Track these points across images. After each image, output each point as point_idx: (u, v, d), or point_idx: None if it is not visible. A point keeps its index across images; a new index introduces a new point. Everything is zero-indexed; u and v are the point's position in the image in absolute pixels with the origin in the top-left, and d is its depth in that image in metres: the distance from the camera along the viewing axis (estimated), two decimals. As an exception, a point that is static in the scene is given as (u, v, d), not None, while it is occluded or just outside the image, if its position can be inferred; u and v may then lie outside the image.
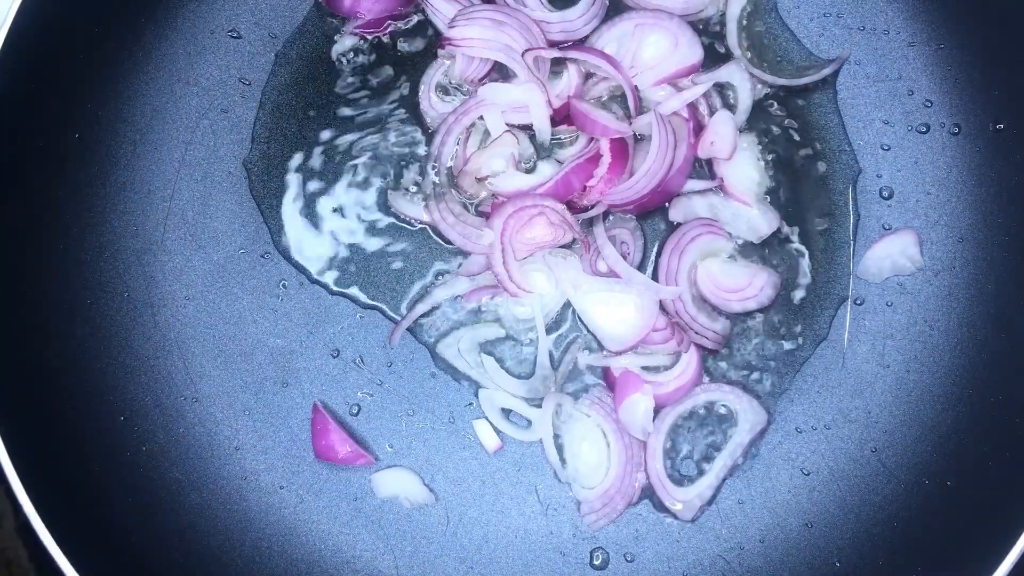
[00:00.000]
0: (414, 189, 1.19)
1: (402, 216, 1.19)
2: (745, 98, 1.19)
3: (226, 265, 1.20)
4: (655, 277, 1.16)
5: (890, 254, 1.16)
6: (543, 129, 1.17)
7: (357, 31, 1.21)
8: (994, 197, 1.16)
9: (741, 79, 1.19)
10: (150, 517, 1.11)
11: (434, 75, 1.21)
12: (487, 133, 1.18)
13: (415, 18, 1.23)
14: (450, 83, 1.21)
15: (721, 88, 1.19)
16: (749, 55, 1.21)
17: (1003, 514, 1.00)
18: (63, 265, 1.14)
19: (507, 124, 1.17)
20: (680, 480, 1.14)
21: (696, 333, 1.14)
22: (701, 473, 1.14)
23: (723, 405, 1.15)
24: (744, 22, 1.22)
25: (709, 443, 1.14)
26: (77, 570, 0.98)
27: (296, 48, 1.23)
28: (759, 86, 1.20)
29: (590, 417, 1.14)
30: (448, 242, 1.18)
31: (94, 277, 1.16)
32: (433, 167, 1.19)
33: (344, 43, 1.22)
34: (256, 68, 1.23)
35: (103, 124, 1.18)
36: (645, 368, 1.14)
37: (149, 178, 1.20)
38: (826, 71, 1.19)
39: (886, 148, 1.19)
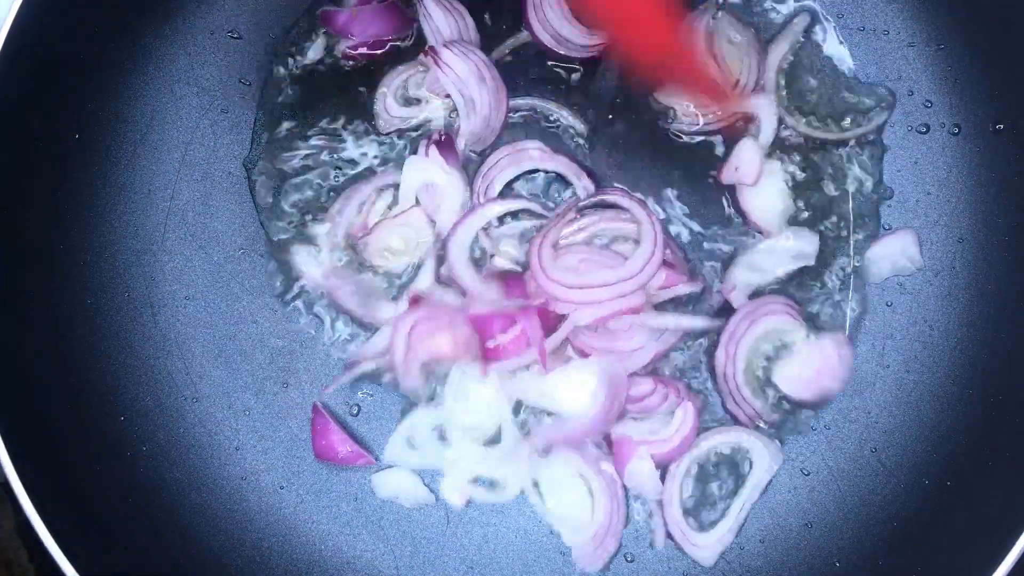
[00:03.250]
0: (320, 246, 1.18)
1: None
2: (768, 134, 1.18)
3: (226, 265, 1.19)
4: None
5: (890, 254, 1.16)
6: (442, 226, 1.16)
7: (352, 52, 1.21)
8: (994, 197, 1.16)
9: (769, 114, 1.17)
10: (150, 517, 1.11)
11: (396, 80, 1.21)
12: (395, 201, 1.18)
13: (411, 39, 1.23)
14: (409, 93, 1.21)
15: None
16: (785, 94, 1.20)
17: (1003, 514, 1.00)
18: (63, 265, 1.14)
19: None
20: (701, 525, 1.13)
21: (743, 413, 1.13)
22: (720, 515, 1.13)
23: (735, 447, 1.14)
24: (784, 67, 1.20)
25: (725, 487, 1.13)
26: (77, 570, 0.98)
27: (297, 47, 1.23)
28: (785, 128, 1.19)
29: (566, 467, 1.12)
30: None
31: (94, 277, 1.16)
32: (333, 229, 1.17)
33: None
34: (256, 68, 1.23)
35: (103, 124, 1.18)
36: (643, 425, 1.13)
37: (149, 178, 1.20)
38: (860, 131, 1.18)
39: (886, 148, 1.19)
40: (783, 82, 1.20)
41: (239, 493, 1.15)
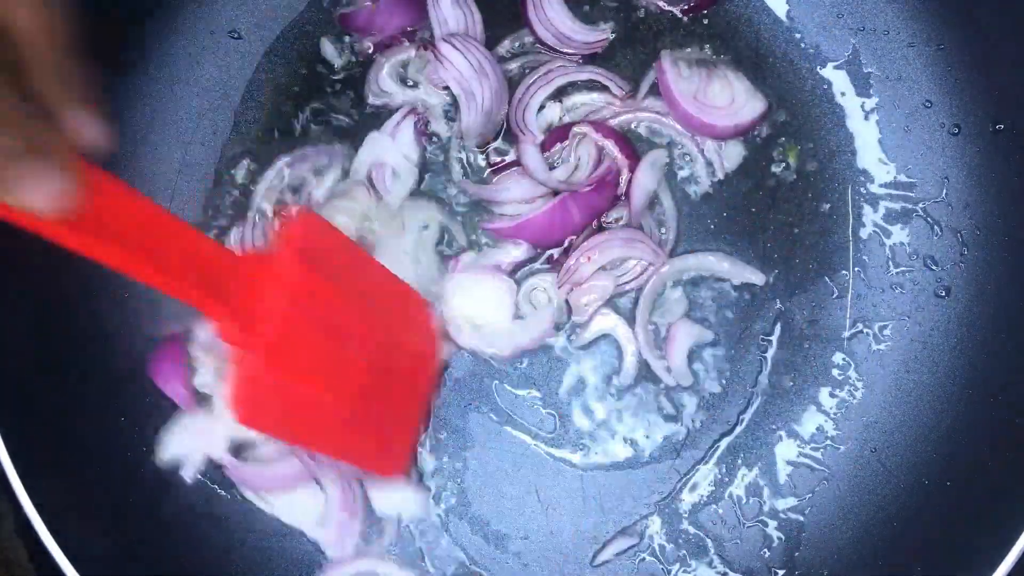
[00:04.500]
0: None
1: None
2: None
3: (226, 265, 1.19)
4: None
5: None
6: (393, 195, 1.17)
7: (374, 52, 1.21)
8: (994, 197, 1.16)
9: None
10: (151, 517, 1.11)
11: (397, 57, 1.20)
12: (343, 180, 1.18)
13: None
14: (407, 74, 1.21)
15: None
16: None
17: (1003, 514, 1.00)
18: (63, 265, 1.14)
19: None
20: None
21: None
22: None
23: None
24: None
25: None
26: (77, 570, 0.98)
27: (296, 48, 1.23)
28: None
29: None
30: None
31: (94, 276, 1.16)
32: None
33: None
34: (256, 68, 1.23)
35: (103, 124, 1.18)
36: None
37: (149, 178, 1.20)
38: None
39: (886, 148, 1.19)
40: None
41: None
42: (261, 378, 0.91)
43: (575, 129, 1.17)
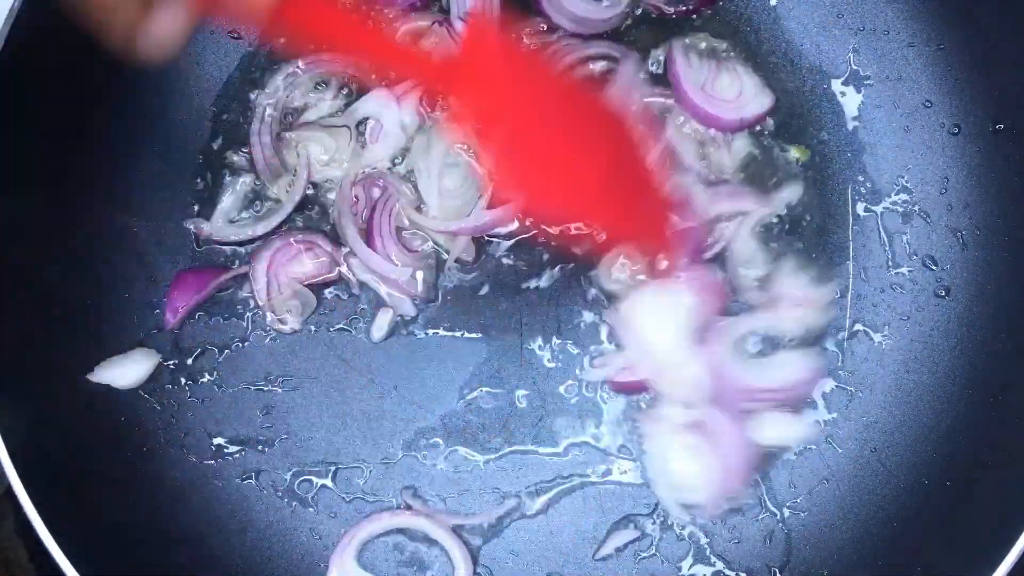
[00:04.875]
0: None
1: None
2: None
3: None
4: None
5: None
6: (372, 153, 1.17)
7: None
8: (994, 197, 1.16)
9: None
10: (151, 517, 1.11)
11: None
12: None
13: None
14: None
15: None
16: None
17: (1003, 514, 1.00)
18: (63, 265, 1.14)
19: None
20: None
21: None
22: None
23: None
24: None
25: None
26: (77, 570, 0.98)
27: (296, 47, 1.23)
28: None
29: None
30: None
31: (93, 278, 1.16)
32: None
33: None
34: (256, 68, 1.23)
35: (103, 124, 1.18)
36: None
37: (149, 178, 1.20)
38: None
39: (886, 148, 1.19)
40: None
41: (240, 493, 1.15)
42: (516, 151, 0.98)
43: None
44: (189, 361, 1.17)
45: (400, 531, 1.14)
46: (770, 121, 1.19)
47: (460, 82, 0.94)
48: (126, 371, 1.13)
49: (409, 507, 1.14)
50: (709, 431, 1.09)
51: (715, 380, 1.09)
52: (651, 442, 1.12)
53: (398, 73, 0.98)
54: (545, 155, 1.00)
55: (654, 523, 1.14)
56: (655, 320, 1.11)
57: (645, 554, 1.13)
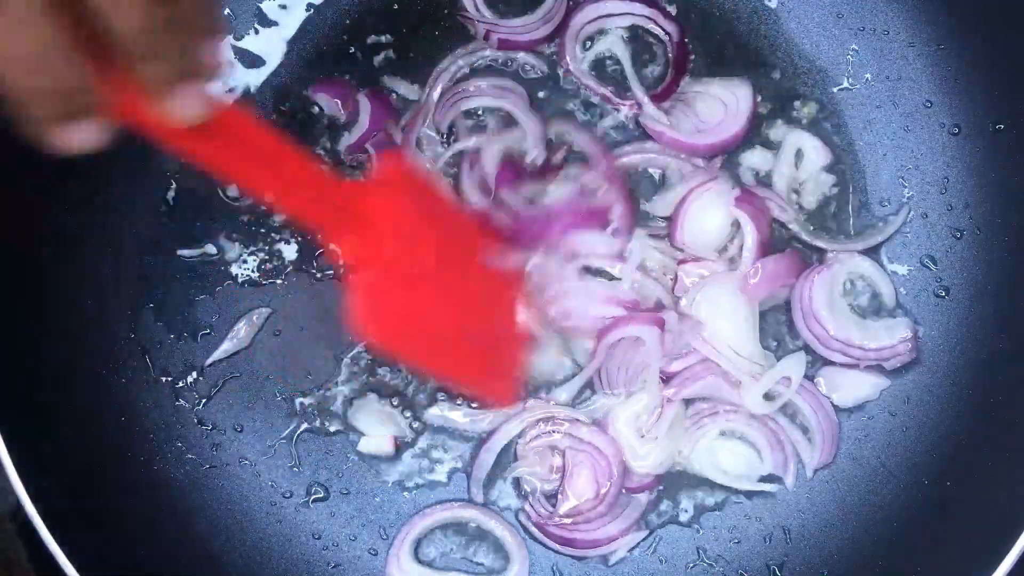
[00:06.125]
0: None
1: None
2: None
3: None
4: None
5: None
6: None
7: None
8: (994, 197, 1.16)
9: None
10: (151, 517, 1.11)
11: None
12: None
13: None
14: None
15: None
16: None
17: (1003, 514, 1.00)
18: (63, 265, 1.14)
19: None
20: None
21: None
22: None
23: None
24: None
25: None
26: (77, 570, 0.98)
27: (296, 48, 1.23)
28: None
29: None
30: None
31: (93, 278, 1.16)
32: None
33: None
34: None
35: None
36: None
37: (149, 178, 1.20)
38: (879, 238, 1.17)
39: (886, 148, 1.19)
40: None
41: (240, 493, 1.15)
42: (381, 290, 0.95)
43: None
44: (189, 361, 1.18)
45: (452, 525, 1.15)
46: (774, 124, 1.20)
47: (358, 213, 0.91)
48: None
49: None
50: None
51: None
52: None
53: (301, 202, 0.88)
54: (413, 297, 0.99)
55: (654, 523, 1.14)
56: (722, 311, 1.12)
57: (645, 554, 1.14)
